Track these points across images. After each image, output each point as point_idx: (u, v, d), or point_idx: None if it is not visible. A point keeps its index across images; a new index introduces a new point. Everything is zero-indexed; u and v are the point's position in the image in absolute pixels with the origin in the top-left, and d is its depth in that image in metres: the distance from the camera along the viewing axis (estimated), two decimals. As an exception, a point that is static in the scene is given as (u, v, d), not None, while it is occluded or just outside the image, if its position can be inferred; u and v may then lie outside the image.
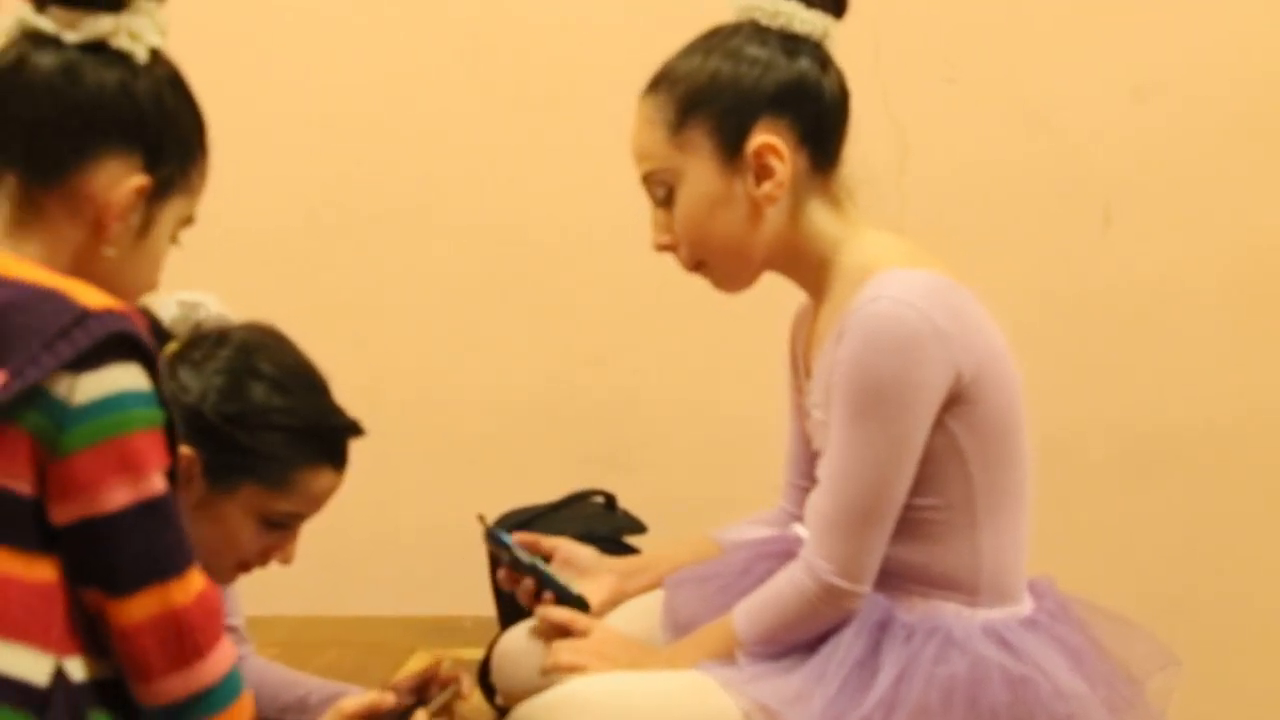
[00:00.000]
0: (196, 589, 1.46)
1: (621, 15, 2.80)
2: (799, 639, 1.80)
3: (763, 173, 1.83)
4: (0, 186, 1.51)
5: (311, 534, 1.86)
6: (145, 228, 1.56)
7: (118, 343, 1.42)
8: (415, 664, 2.27)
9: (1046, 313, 2.71)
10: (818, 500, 1.80)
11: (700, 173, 1.85)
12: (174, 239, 1.62)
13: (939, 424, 1.78)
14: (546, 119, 2.81)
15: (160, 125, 1.54)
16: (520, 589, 2.04)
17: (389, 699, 1.86)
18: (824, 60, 1.86)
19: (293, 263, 2.72)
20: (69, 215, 1.51)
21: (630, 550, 2.31)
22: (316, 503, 1.86)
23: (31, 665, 1.38)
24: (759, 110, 1.83)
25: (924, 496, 1.80)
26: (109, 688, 1.44)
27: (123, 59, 1.53)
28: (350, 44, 2.87)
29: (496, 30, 2.83)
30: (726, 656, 1.82)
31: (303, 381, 1.86)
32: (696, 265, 1.90)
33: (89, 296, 1.43)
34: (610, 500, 2.45)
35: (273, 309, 1.84)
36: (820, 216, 1.86)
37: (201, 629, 1.45)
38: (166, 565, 1.44)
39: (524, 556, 2.06)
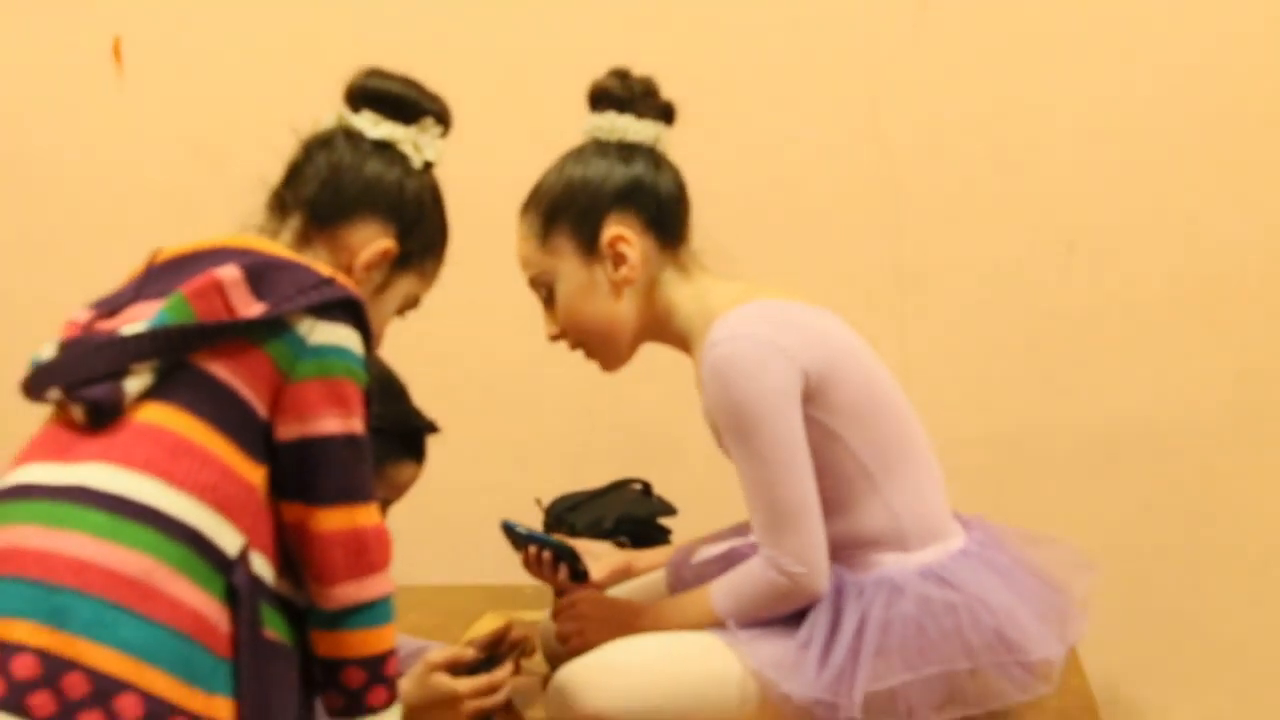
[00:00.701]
0: (377, 519, 1.59)
1: (631, 15, 2.79)
2: (770, 619, 1.91)
3: (618, 259, 1.96)
4: (289, 219, 1.73)
5: (398, 515, 1.90)
6: (382, 288, 1.75)
7: (352, 309, 1.59)
8: (485, 624, 2.32)
9: (1019, 327, 2.75)
10: (751, 518, 1.92)
11: (568, 270, 1.98)
12: (400, 312, 1.81)
13: (807, 418, 1.89)
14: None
15: (416, 215, 1.75)
16: (529, 561, 2.19)
17: (469, 653, 1.98)
18: (658, 160, 2.00)
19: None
20: (330, 255, 1.71)
21: (663, 530, 2.45)
22: (400, 490, 1.98)
23: (228, 538, 1.50)
24: (606, 208, 1.97)
25: (822, 479, 1.90)
26: (282, 601, 1.56)
27: (403, 160, 1.75)
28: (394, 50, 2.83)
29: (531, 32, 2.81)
30: (707, 625, 1.92)
31: (388, 390, 1.95)
32: (577, 346, 2.03)
33: (336, 273, 1.61)
34: (646, 487, 2.54)
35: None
36: (673, 286, 2.00)
37: (377, 550, 1.59)
38: (357, 491, 1.58)
39: (522, 530, 2.19)
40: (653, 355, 2.64)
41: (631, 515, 2.41)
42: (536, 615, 2.26)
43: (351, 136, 1.74)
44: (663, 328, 2.01)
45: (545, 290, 2.01)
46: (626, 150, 1.98)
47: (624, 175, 1.97)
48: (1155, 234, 2.73)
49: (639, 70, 2.04)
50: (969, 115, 2.75)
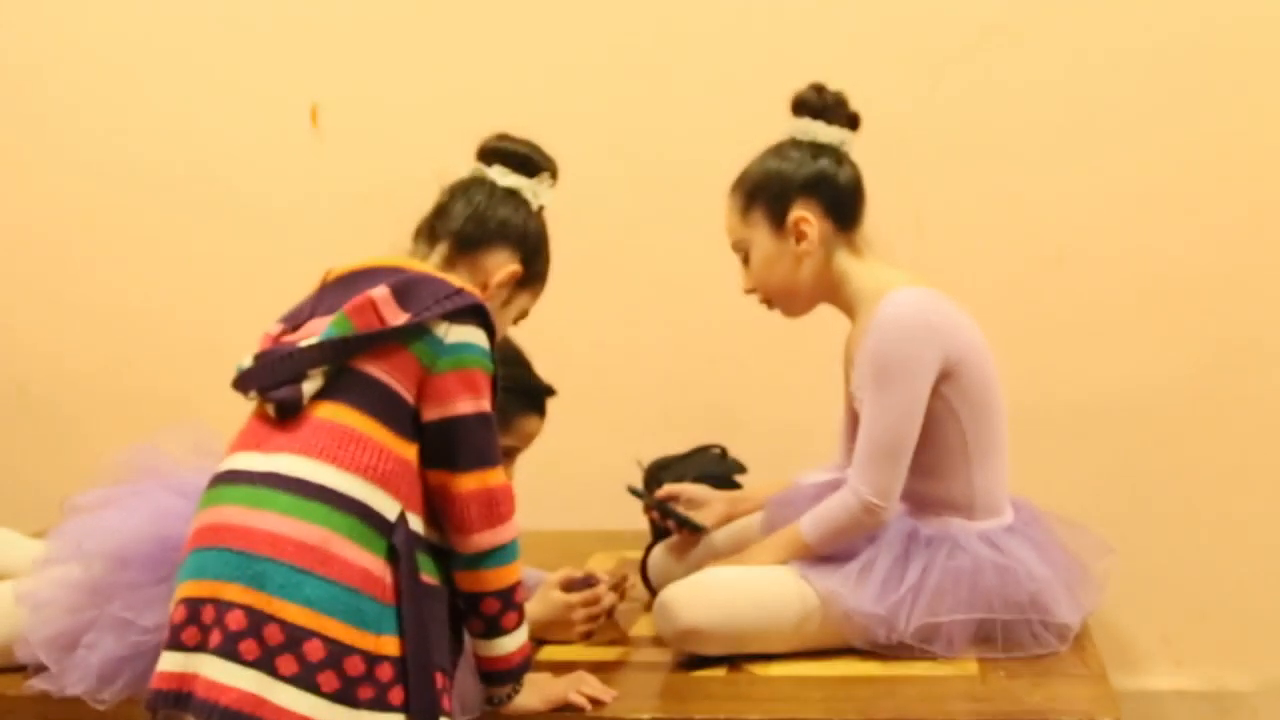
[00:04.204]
0: (504, 479, 1.72)
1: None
2: (847, 542, 2.05)
3: (799, 236, 2.12)
4: (438, 245, 1.86)
5: (526, 475, 2.07)
6: (506, 302, 1.90)
7: (478, 313, 1.71)
8: (595, 563, 2.49)
9: (1020, 321, 2.89)
10: (858, 444, 2.05)
11: (761, 240, 2.15)
12: (515, 321, 1.95)
13: (937, 393, 2.02)
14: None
15: (535, 246, 1.90)
16: (654, 519, 2.38)
17: (579, 574, 2.17)
18: (840, 159, 2.14)
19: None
20: (469, 275, 1.85)
21: (736, 485, 2.58)
22: (527, 440, 2.12)
23: (387, 505, 1.63)
24: (794, 194, 2.12)
25: (932, 447, 2.06)
26: (433, 548, 1.70)
27: (525, 204, 1.90)
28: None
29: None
30: (793, 556, 2.06)
31: (514, 359, 2.11)
32: (766, 302, 2.20)
33: (464, 284, 1.75)
34: (723, 451, 2.69)
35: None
36: (846, 263, 2.14)
37: (505, 504, 1.71)
38: (487, 458, 1.69)
39: (644, 495, 2.34)
40: (726, 350, 3.00)
41: (709, 473, 2.56)
42: (637, 554, 2.45)
43: (486, 184, 1.90)
44: (834, 293, 2.16)
45: (743, 254, 2.17)
46: (816, 149, 2.14)
47: (811, 169, 2.12)
48: (1128, 248, 2.91)
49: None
50: (978, 153, 2.93)
